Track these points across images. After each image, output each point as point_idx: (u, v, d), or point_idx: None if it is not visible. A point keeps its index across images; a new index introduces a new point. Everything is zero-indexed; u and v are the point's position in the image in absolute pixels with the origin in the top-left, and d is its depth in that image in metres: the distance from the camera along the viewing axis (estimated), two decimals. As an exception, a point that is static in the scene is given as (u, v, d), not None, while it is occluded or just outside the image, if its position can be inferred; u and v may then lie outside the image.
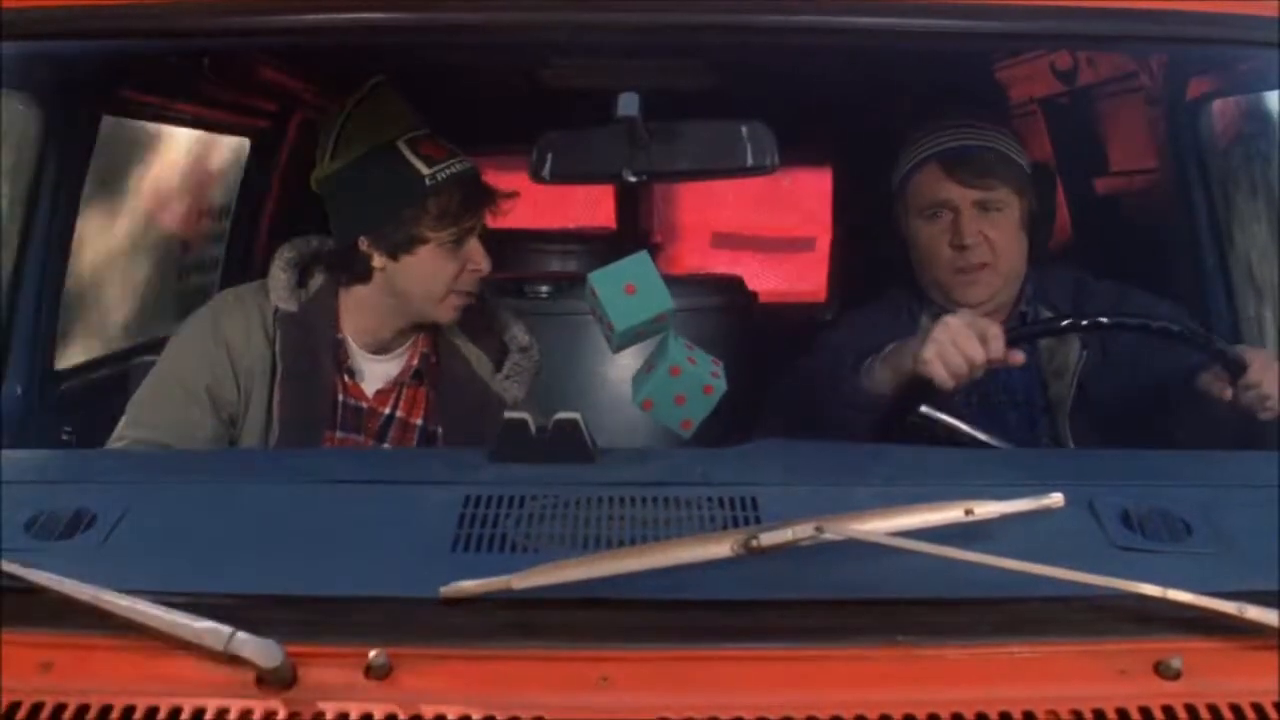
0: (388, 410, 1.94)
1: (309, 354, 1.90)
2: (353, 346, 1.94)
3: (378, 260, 1.87)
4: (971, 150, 1.91)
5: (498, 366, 1.99)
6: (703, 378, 1.47)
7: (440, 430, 1.95)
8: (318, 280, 1.94)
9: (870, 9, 1.37)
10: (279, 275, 1.92)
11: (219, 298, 2.00)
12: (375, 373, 1.95)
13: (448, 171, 1.84)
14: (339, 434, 1.92)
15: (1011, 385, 1.93)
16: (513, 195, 1.93)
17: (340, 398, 1.92)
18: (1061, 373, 1.91)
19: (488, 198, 1.90)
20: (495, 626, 1.08)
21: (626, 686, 1.04)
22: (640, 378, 1.51)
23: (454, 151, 1.87)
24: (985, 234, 1.89)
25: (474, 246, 1.88)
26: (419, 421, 1.95)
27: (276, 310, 1.90)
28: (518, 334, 2.02)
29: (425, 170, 1.83)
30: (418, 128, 1.87)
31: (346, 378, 1.93)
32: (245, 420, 1.88)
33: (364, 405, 1.93)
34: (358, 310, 1.93)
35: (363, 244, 1.87)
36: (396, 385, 1.95)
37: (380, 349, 1.95)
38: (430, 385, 1.96)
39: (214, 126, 2.83)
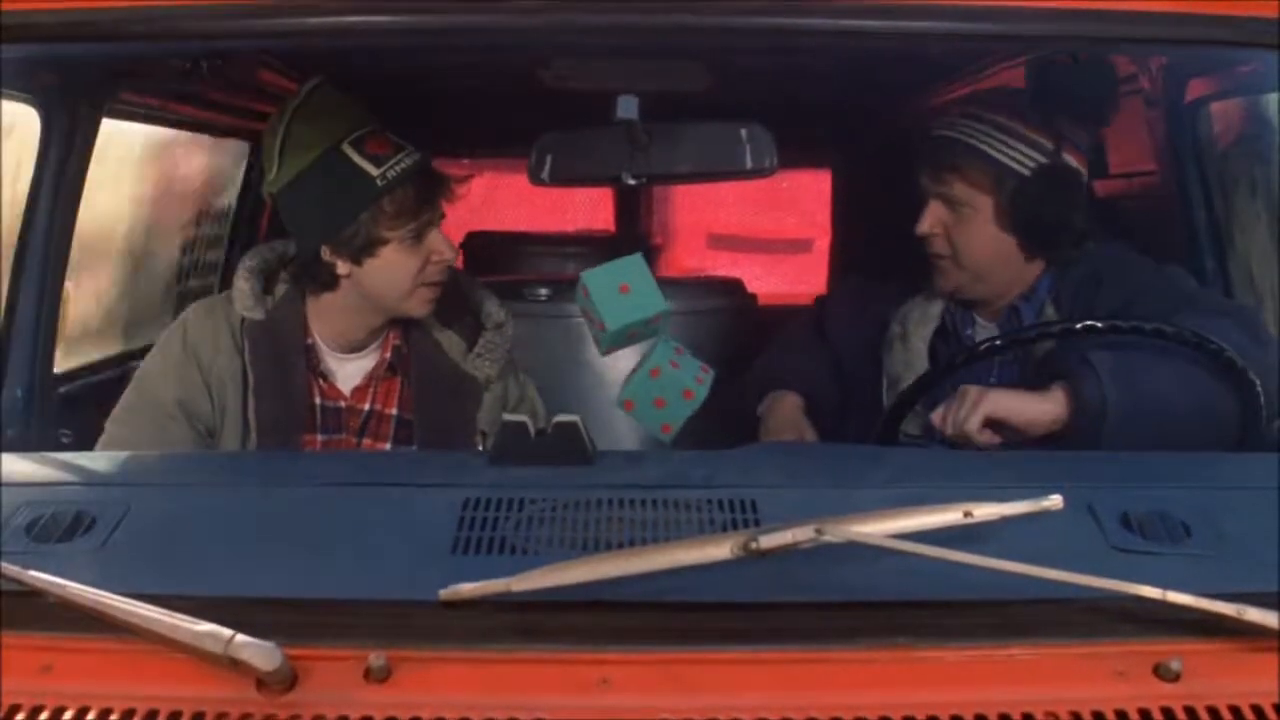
0: (367, 406, 1.93)
1: (279, 361, 1.88)
2: (324, 349, 1.92)
3: (342, 267, 1.85)
4: (940, 143, 1.90)
5: (470, 346, 1.96)
6: (684, 382, 1.46)
7: (415, 418, 1.93)
8: (283, 287, 1.92)
9: (870, 10, 1.37)
10: (242, 285, 1.90)
11: (189, 310, 1.97)
12: (349, 371, 1.93)
13: (397, 168, 1.81)
14: (320, 436, 1.91)
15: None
16: (466, 180, 1.90)
17: (317, 400, 1.91)
18: None
19: (442, 187, 1.86)
20: (495, 629, 1.08)
21: (626, 688, 1.04)
22: (628, 378, 1.51)
23: (400, 145, 1.83)
24: (947, 228, 1.88)
25: (436, 237, 1.86)
26: (393, 411, 1.93)
27: (243, 320, 1.89)
28: (492, 311, 2.00)
29: (374, 171, 1.79)
30: (361, 126, 1.82)
31: (321, 380, 1.92)
32: (222, 431, 1.87)
33: (342, 405, 1.92)
34: (328, 315, 1.91)
35: (325, 253, 1.85)
36: (371, 380, 1.93)
37: (353, 348, 1.93)
38: (403, 375, 1.95)
39: (214, 129, 2.82)
